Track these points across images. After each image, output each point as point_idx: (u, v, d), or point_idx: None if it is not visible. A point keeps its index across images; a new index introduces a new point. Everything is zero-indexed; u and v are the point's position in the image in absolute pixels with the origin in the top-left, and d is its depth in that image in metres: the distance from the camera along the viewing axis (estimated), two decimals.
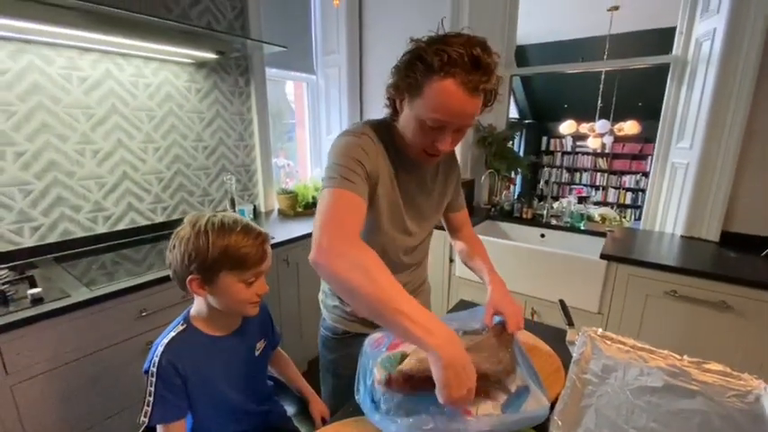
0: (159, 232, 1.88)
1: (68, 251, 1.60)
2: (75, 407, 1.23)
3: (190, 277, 0.76)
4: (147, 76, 1.79)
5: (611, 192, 6.82)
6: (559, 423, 0.64)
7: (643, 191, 6.45)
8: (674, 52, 2.00)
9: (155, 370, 0.74)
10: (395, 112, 0.85)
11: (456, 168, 1.07)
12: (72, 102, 1.57)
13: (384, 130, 0.86)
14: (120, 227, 1.79)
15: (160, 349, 0.76)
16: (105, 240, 1.72)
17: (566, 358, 0.86)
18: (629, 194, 6.67)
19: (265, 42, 1.89)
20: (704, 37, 1.83)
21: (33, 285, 1.25)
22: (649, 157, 6.27)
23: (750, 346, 1.49)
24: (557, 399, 0.70)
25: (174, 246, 0.78)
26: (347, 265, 0.63)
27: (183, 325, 0.82)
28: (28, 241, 1.51)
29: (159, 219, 1.92)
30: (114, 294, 1.27)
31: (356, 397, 0.70)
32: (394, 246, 0.94)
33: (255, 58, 2.20)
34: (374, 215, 0.85)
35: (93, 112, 1.64)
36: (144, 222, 1.87)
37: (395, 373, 0.66)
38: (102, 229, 1.72)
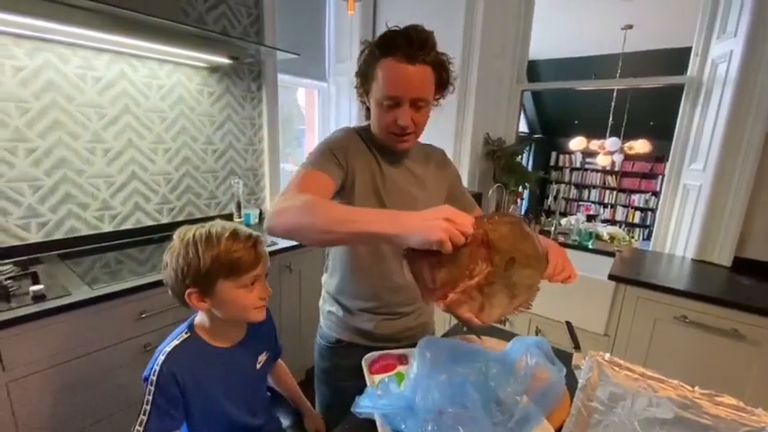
0: (164, 233, 1.88)
1: (73, 248, 1.60)
2: (69, 407, 1.22)
3: (188, 291, 0.75)
4: (160, 78, 1.81)
5: (620, 210, 6.75)
6: None
7: (652, 210, 6.38)
8: (688, 73, 1.99)
9: (154, 378, 0.73)
10: (368, 112, 0.93)
11: (449, 164, 1.07)
12: (85, 101, 1.59)
13: (365, 132, 0.94)
14: (126, 226, 1.79)
15: (161, 358, 0.75)
16: (110, 239, 1.73)
17: (571, 383, 0.84)
18: (637, 213, 6.60)
19: (278, 49, 1.90)
20: (720, 59, 1.81)
21: (36, 282, 1.25)
22: (660, 177, 6.22)
23: (762, 377, 1.44)
24: (561, 427, 0.67)
25: (167, 263, 0.77)
26: (292, 214, 0.68)
27: (187, 333, 0.80)
28: (34, 237, 1.52)
29: (165, 220, 1.92)
30: (115, 295, 1.26)
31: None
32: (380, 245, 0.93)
33: (268, 64, 2.22)
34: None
35: (105, 111, 1.65)
36: (150, 223, 1.87)
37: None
38: (107, 227, 1.73)
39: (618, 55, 4.16)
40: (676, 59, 2.64)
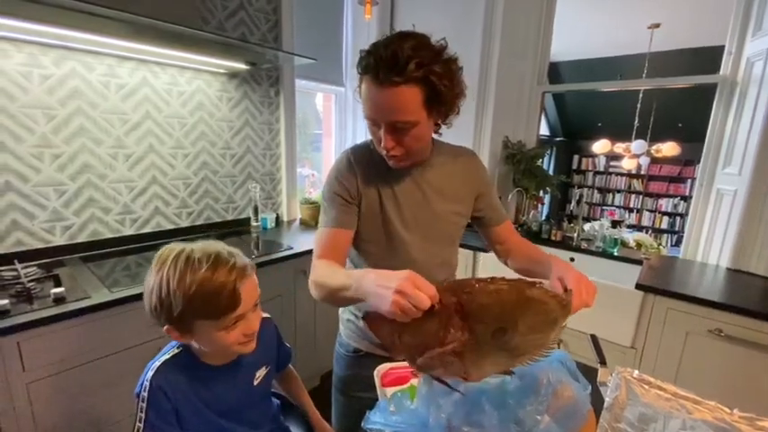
0: (183, 236, 1.91)
1: (95, 251, 1.64)
2: (86, 408, 1.24)
3: (165, 328, 0.70)
4: (181, 85, 1.84)
5: (646, 215, 6.50)
6: None
7: (681, 215, 6.13)
8: (721, 72, 1.89)
9: (145, 395, 0.70)
10: None
11: (480, 169, 0.98)
12: (109, 107, 1.63)
13: (374, 149, 0.89)
14: (146, 230, 1.82)
15: (150, 373, 0.71)
16: (131, 242, 1.76)
17: (596, 402, 0.78)
18: (665, 218, 6.34)
19: (296, 54, 1.91)
20: (756, 57, 1.71)
21: (58, 284, 1.28)
22: (689, 181, 5.97)
23: None
24: None
25: (144, 293, 0.70)
26: (314, 289, 0.80)
27: (178, 348, 0.77)
28: (58, 240, 1.56)
29: (184, 223, 1.95)
30: (132, 298, 1.27)
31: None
32: (389, 256, 0.90)
33: (286, 69, 2.24)
34: (361, 226, 0.91)
35: (128, 117, 1.69)
36: (169, 226, 1.90)
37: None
38: (128, 231, 1.76)
39: (644, 55, 4.02)
40: (706, 58, 2.52)
